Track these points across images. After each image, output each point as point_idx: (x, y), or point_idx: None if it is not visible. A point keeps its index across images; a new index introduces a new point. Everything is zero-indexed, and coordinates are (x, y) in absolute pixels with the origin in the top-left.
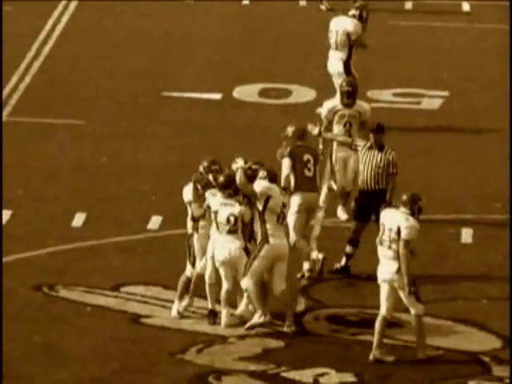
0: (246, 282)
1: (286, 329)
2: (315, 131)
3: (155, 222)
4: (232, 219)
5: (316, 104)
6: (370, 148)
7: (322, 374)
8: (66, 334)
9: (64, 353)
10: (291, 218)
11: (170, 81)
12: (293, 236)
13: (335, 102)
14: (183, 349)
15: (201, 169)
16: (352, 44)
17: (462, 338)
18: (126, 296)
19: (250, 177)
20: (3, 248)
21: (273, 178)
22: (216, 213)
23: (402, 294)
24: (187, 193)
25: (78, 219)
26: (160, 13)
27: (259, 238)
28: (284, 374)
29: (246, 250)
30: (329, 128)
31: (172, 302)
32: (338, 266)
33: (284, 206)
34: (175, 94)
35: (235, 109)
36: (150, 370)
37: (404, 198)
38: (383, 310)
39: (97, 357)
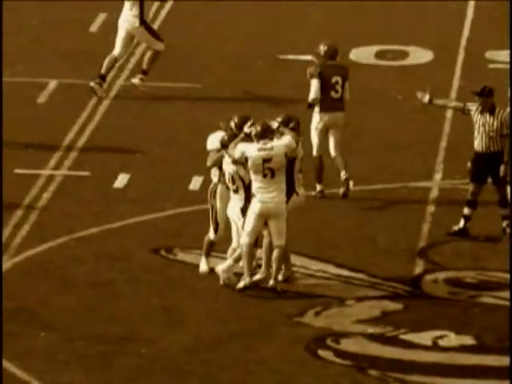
0: (241, 240)
1: (270, 282)
2: (426, 99)
3: None
4: (230, 178)
5: (432, 65)
6: (482, 112)
7: (441, 337)
8: (183, 297)
9: (182, 315)
10: (312, 134)
11: (286, 43)
12: (315, 151)
13: None
14: (301, 311)
15: (232, 125)
16: None
17: None
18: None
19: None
20: (122, 211)
21: (263, 132)
22: (224, 172)
23: None
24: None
25: (195, 182)
26: None
27: None
28: (402, 337)
29: (244, 211)
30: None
31: (293, 265)
32: (456, 228)
33: (267, 160)
34: (291, 57)
35: (351, 71)
36: (267, 332)
37: None
38: None
39: (214, 319)
